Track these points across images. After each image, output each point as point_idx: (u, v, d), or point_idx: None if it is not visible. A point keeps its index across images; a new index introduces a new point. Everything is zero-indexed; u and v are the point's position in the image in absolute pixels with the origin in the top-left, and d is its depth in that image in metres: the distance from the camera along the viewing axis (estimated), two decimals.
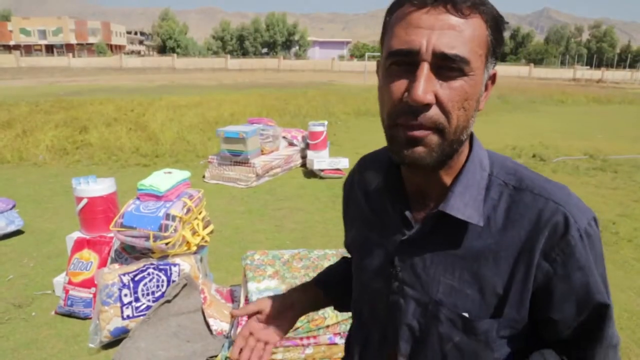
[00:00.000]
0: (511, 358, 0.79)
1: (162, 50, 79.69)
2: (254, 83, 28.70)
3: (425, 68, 0.65)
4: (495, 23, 0.69)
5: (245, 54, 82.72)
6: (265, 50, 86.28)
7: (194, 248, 3.01)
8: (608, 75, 49.70)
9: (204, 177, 6.70)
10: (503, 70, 54.56)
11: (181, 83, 28.19)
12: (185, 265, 2.89)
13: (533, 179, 0.77)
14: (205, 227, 3.16)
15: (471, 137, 0.79)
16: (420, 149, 0.68)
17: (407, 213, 0.80)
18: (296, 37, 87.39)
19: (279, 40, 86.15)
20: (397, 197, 0.82)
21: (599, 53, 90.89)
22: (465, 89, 0.67)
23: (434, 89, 0.65)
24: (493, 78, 0.75)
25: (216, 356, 2.60)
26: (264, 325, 1.00)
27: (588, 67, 67.50)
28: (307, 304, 1.06)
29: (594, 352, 0.77)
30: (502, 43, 0.71)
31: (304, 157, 7.36)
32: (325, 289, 1.08)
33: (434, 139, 0.68)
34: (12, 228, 4.39)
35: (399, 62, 0.68)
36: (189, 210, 2.96)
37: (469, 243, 0.76)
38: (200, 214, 3.15)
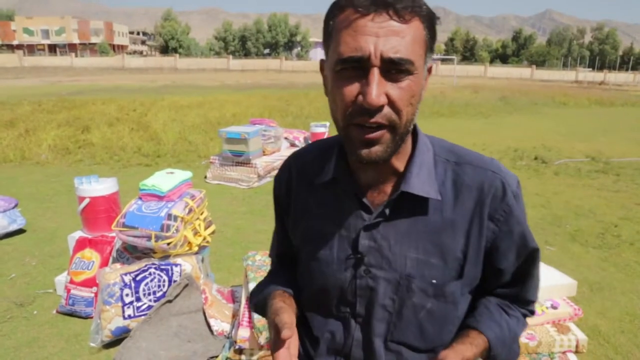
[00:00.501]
0: (464, 310, 0.92)
1: (165, 50, 79.82)
2: (256, 84, 28.73)
3: (375, 73, 0.70)
4: (430, 22, 0.75)
5: (247, 54, 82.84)
6: (267, 51, 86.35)
7: (196, 248, 3.01)
8: (610, 77, 49.57)
9: (205, 177, 6.70)
10: (505, 71, 54.57)
11: (183, 83, 28.23)
12: (186, 265, 2.89)
13: (469, 154, 0.89)
14: (206, 228, 3.16)
15: (414, 125, 0.87)
16: (376, 148, 0.75)
17: (365, 200, 0.87)
18: (298, 38, 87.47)
19: (281, 41, 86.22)
20: (350, 186, 0.87)
21: (602, 55, 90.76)
22: (411, 87, 0.74)
23: (385, 90, 0.72)
24: (429, 70, 0.82)
25: (217, 356, 2.60)
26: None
27: (590, 69, 67.39)
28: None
29: (527, 289, 0.94)
30: (435, 38, 0.77)
31: None
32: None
33: (387, 136, 0.75)
34: (14, 227, 4.40)
35: (349, 67, 0.72)
36: (190, 210, 2.96)
37: (428, 217, 0.85)
38: (202, 214, 3.15)
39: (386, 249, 0.85)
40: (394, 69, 0.71)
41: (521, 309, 0.96)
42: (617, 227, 4.94)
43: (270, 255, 1.18)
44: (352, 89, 0.73)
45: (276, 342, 0.82)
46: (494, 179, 0.85)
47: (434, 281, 0.85)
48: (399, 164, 0.85)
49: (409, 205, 0.84)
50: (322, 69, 0.82)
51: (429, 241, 0.84)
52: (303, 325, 0.99)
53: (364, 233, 0.86)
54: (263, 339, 2.32)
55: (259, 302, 1.05)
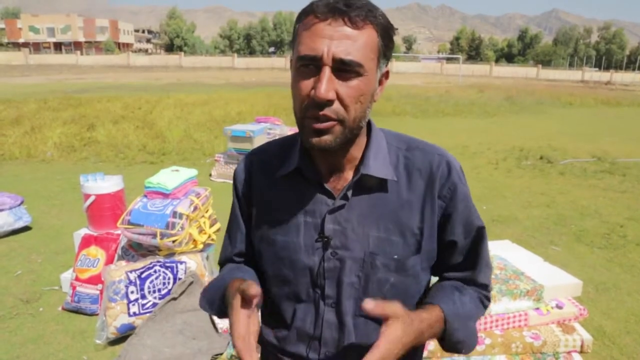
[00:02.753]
0: (423, 285, 0.99)
1: (170, 48, 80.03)
2: (261, 82, 28.75)
3: (327, 71, 0.79)
4: (385, 31, 0.83)
5: (252, 52, 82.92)
6: (272, 49, 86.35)
7: (201, 246, 3.02)
8: (617, 77, 49.30)
9: (210, 175, 6.72)
10: (511, 71, 54.35)
11: (188, 81, 28.29)
12: (191, 263, 2.90)
13: (415, 140, 0.99)
14: (211, 225, 3.17)
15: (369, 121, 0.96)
16: (325, 137, 0.83)
17: (327, 186, 0.94)
18: None
19: (286, 40, 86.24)
20: (313, 175, 0.94)
21: (608, 55, 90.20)
22: (360, 87, 0.82)
23: (335, 87, 0.80)
24: (386, 74, 0.91)
25: (221, 354, 2.61)
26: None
27: (597, 69, 66.98)
28: None
29: (478, 270, 0.99)
30: (392, 47, 0.86)
31: None
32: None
33: (337, 128, 0.83)
34: (20, 224, 4.42)
35: (306, 65, 0.81)
36: (195, 208, 2.97)
37: (387, 198, 0.93)
38: (207, 212, 3.16)
39: (350, 230, 0.92)
40: (344, 69, 0.79)
41: (474, 292, 1.01)
42: (623, 228, 4.91)
43: (220, 261, 1.12)
44: (308, 84, 0.82)
45: (236, 309, 0.82)
46: (440, 161, 0.94)
47: (396, 257, 0.92)
48: (356, 152, 0.93)
49: (368, 188, 0.93)
50: (290, 67, 0.91)
51: (389, 220, 0.92)
52: (270, 316, 1.03)
53: (329, 217, 0.92)
54: None
55: (211, 297, 1.00)
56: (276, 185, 0.99)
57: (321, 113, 0.81)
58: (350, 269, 0.93)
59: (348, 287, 0.93)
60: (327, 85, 0.79)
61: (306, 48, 0.80)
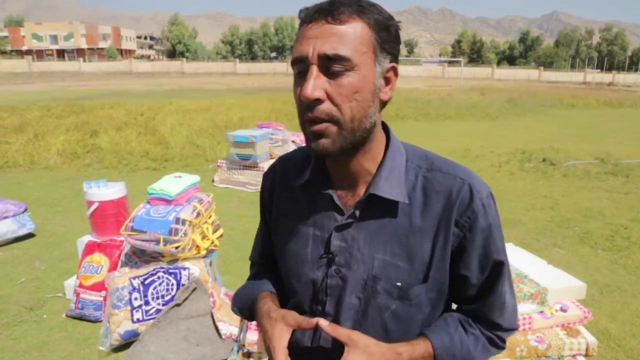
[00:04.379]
0: (433, 316, 0.92)
1: (172, 54, 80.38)
2: (263, 87, 28.82)
3: (313, 70, 0.77)
4: (380, 24, 0.80)
5: (254, 58, 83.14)
6: (274, 54, 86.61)
7: (204, 252, 3.02)
8: (619, 78, 49.25)
9: (213, 181, 6.73)
10: (512, 73, 54.33)
11: (190, 87, 28.39)
12: (194, 269, 2.90)
13: (440, 160, 0.91)
14: (214, 231, 3.17)
15: (388, 130, 0.91)
16: (323, 141, 0.80)
17: (337, 200, 0.90)
18: None
19: (287, 44, 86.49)
20: (325, 187, 0.91)
21: (610, 56, 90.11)
22: (352, 83, 0.78)
23: (324, 86, 0.77)
24: (394, 71, 0.84)
25: None
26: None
27: (599, 70, 66.91)
28: None
29: (490, 307, 0.91)
30: (393, 41, 0.82)
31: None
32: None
33: (333, 129, 0.79)
34: (23, 231, 4.43)
35: (298, 69, 0.81)
36: (198, 214, 2.97)
37: (397, 221, 0.87)
38: (209, 217, 3.16)
39: (355, 250, 0.88)
40: (331, 65, 0.77)
41: (485, 330, 0.93)
42: (627, 229, 4.89)
43: (250, 259, 1.23)
44: (300, 89, 0.81)
45: (279, 325, 0.90)
46: (462, 185, 0.86)
47: (399, 284, 0.87)
48: (370, 166, 0.88)
49: (378, 208, 0.87)
50: None
51: (397, 244, 0.87)
52: None
53: (336, 233, 0.89)
54: None
55: (244, 305, 1.09)
56: (294, 194, 0.98)
57: (311, 115, 0.79)
58: (352, 289, 0.89)
59: (348, 307, 0.90)
60: (313, 83, 0.77)
61: (295, 52, 0.81)
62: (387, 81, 0.84)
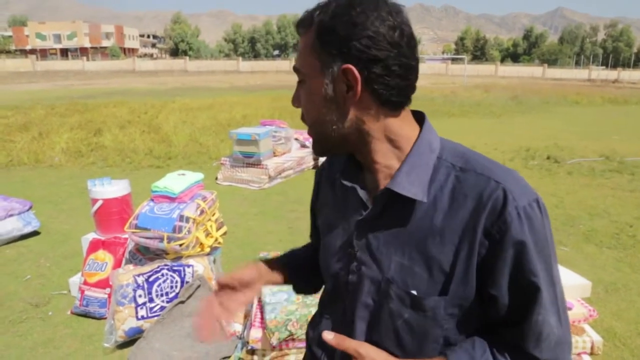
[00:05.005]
0: (460, 337, 0.82)
1: (175, 53, 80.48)
2: (266, 85, 28.82)
3: (298, 81, 0.84)
4: (322, 28, 0.76)
5: (256, 56, 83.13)
6: (276, 52, 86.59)
7: (208, 249, 3.02)
8: (625, 75, 48.94)
9: (216, 178, 6.74)
10: (516, 70, 54.12)
11: (193, 85, 28.41)
12: (198, 266, 2.91)
13: (479, 160, 0.81)
14: (218, 229, 3.17)
15: (423, 123, 0.87)
16: (312, 141, 0.88)
17: (363, 194, 0.86)
18: None
19: (290, 42, 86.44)
20: (355, 181, 0.88)
21: (615, 53, 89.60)
22: (305, 92, 0.83)
23: (299, 96, 0.85)
24: (350, 74, 0.75)
25: (229, 357, 2.61)
26: (232, 291, 1.01)
27: (604, 67, 66.57)
28: (270, 280, 1.09)
29: (523, 335, 0.78)
30: (338, 41, 0.74)
31: (316, 159, 7.37)
32: (290, 272, 1.11)
33: (312, 133, 0.86)
34: (29, 229, 4.45)
35: None
36: (202, 211, 2.97)
37: (417, 222, 0.80)
38: (213, 215, 3.16)
39: (375, 248, 0.84)
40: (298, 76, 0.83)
41: (517, 358, 0.80)
42: (633, 227, 4.87)
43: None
44: None
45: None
46: (495, 189, 0.75)
47: (414, 292, 0.80)
48: (393, 162, 0.83)
49: (399, 206, 0.81)
50: None
51: (415, 247, 0.80)
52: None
53: (358, 228, 0.87)
54: (275, 339, 2.32)
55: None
56: (334, 185, 0.98)
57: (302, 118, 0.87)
58: (368, 289, 0.86)
59: (362, 307, 0.87)
60: (294, 94, 0.85)
61: None
62: (349, 88, 0.76)
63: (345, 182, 0.88)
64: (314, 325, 1.03)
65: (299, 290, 1.18)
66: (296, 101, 0.86)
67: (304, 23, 0.80)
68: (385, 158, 0.83)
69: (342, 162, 0.95)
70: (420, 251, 0.80)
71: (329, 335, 0.80)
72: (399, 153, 0.83)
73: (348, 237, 0.89)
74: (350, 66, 0.74)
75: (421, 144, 0.82)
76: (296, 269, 1.12)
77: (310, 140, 0.89)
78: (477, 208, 0.76)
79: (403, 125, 0.83)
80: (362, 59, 0.74)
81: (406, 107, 0.83)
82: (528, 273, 0.75)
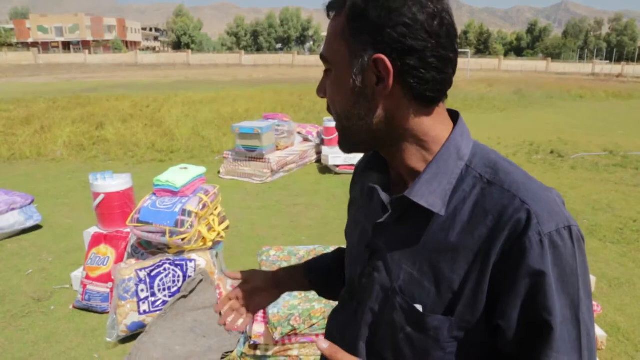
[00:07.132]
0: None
1: (177, 46, 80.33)
2: (269, 79, 28.75)
3: (324, 70, 0.79)
4: (353, 12, 0.69)
5: (259, 49, 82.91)
6: (279, 45, 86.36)
7: (210, 244, 3.02)
8: (629, 69, 48.57)
9: (219, 172, 6.73)
10: (520, 64, 53.83)
11: (196, 79, 28.36)
12: (201, 260, 2.90)
13: (510, 173, 0.72)
14: (220, 223, 3.16)
15: (455, 125, 0.79)
16: (338, 137, 0.82)
17: (384, 197, 0.79)
18: (310, 33, 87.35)
19: (293, 36, 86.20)
20: (380, 182, 0.84)
21: (620, 47, 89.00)
22: (332, 81, 0.77)
23: (325, 86, 0.79)
24: (382, 65, 0.69)
25: (232, 352, 2.60)
26: (249, 294, 1.08)
27: (608, 61, 66.14)
28: (292, 287, 1.15)
29: None
30: (370, 28, 0.68)
31: (319, 152, 7.34)
32: (311, 279, 1.13)
33: (338, 126, 0.80)
34: (31, 223, 4.45)
35: None
36: (204, 205, 2.96)
37: (432, 234, 0.74)
38: (215, 209, 3.15)
39: (388, 253, 0.79)
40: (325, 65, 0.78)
41: None
42: (636, 222, 4.84)
43: None
44: None
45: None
46: (518, 209, 0.67)
47: (419, 307, 0.74)
48: (419, 165, 0.76)
49: (417, 214, 0.74)
50: None
51: (426, 260, 0.74)
52: None
53: (375, 231, 0.82)
54: (278, 334, 2.31)
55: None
56: (365, 182, 0.95)
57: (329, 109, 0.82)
58: (377, 295, 0.81)
59: (369, 312, 0.83)
60: (319, 84, 0.80)
61: None
62: (380, 79, 0.70)
63: (375, 185, 0.82)
64: (330, 319, 1.03)
65: (323, 295, 1.17)
66: (321, 91, 0.80)
67: (335, 5, 0.74)
68: (411, 160, 0.77)
69: (374, 158, 0.91)
70: (431, 265, 0.74)
71: (324, 344, 0.73)
72: (426, 155, 0.76)
73: (367, 238, 0.85)
74: (383, 56, 0.68)
75: (448, 149, 0.75)
76: (321, 274, 1.13)
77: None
78: (496, 228, 0.68)
79: (435, 125, 0.76)
80: (396, 48, 0.67)
81: (441, 103, 0.76)
82: (541, 309, 0.66)
